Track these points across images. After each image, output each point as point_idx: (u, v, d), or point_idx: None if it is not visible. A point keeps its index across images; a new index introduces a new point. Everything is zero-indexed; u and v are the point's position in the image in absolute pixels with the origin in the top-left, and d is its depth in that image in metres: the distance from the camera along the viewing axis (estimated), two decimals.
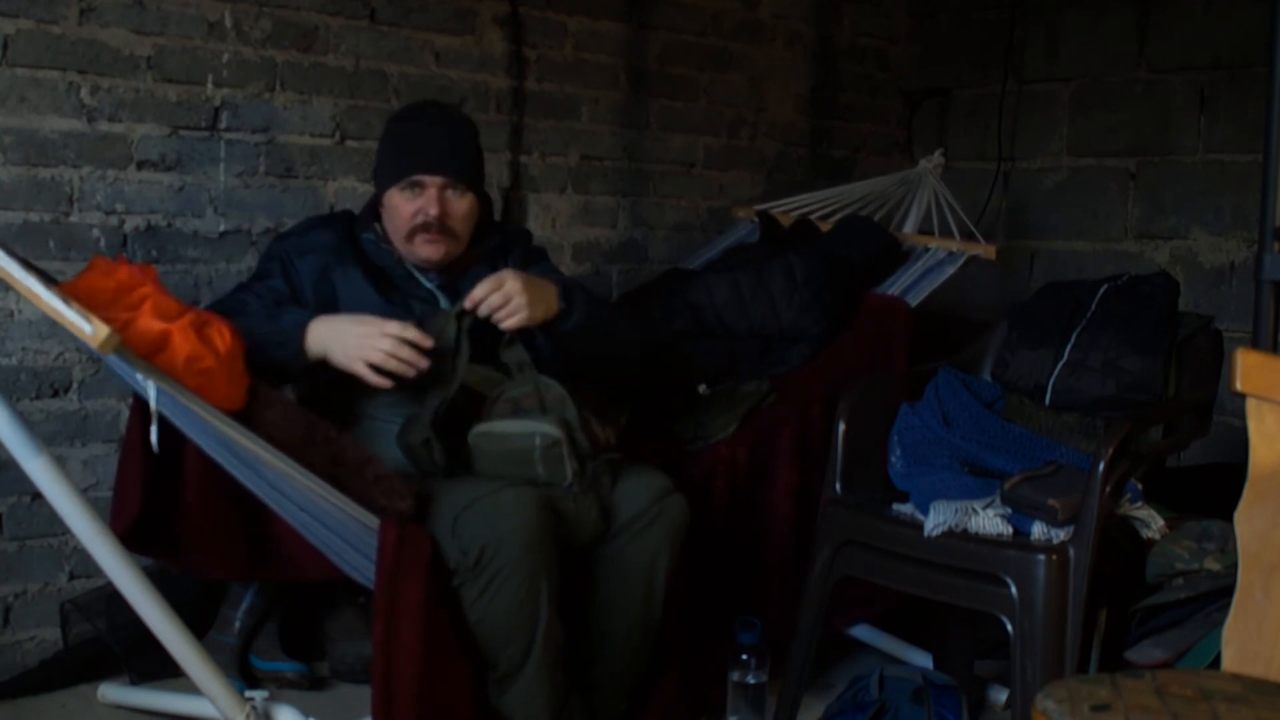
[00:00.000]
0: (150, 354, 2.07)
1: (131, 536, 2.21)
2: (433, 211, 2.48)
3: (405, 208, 2.50)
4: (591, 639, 2.43)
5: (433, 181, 2.50)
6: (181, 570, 2.41)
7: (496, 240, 2.67)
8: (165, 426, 2.05)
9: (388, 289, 2.52)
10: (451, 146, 2.54)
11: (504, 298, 2.35)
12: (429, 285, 2.56)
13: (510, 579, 2.15)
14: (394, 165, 2.53)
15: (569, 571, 2.38)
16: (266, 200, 3.02)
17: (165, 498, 2.25)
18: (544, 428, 2.29)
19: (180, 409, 2.04)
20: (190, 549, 2.29)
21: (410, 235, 2.51)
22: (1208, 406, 2.67)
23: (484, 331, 2.40)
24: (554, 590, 2.21)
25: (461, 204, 2.53)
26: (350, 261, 2.53)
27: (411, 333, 2.31)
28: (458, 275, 2.56)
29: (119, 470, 2.29)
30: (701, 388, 2.99)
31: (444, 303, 2.52)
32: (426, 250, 2.51)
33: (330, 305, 2.49)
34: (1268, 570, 1.63)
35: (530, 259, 2.69)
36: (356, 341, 2.32)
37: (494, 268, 2.53)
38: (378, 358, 2.30)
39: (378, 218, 2.59)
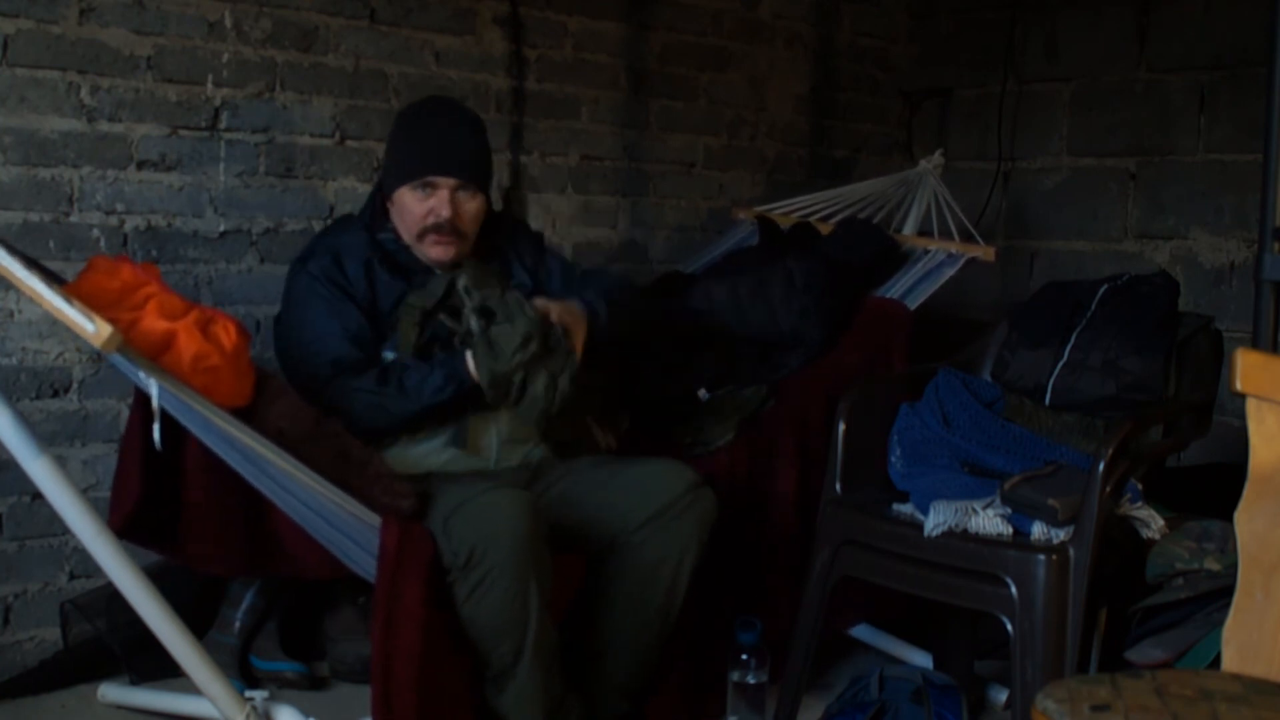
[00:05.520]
0: (156, 353, 2.07)
1: (131, 528, 2.21)
2: (445, 214, 2.50)
3: (417, 208, 2.51)
4: (600, 636, 2.43)
5: (446, 183, 2.51)
6: (183, 565, 2.41)
7: (504, 234, 2.71)
8: (167, 421, 2.05)
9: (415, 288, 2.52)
10: (465, 147, 2.55)
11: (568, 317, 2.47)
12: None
13: (499, 580, 2.14)
14: (406, 164, 2.53)
15: (589, 563, 2.41)
16: (266, 200, 3.02)
17: (166, 492, 2.25)
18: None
19: (183, 407, 2.04)
20: (191, 543, 2.28)
21: (421, 235, 2.52)
22: (1208, 406, 2.66)
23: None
24: (545, 592, 2.20)
25: (472, 205, 2.55)
26: (381, 262, 2.53)
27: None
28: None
29: (119, 464, 2.29)
30: (701, 393, 2.98)
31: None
32: (436, 251, 2.53)
33: (370, 304, 2.49)
34: (1268, 570, 1.63)
35: (538, 255, 2.73)
36: None
37: (505, 262, 2.63)
38: None
39: (386, 215, 2.59)
